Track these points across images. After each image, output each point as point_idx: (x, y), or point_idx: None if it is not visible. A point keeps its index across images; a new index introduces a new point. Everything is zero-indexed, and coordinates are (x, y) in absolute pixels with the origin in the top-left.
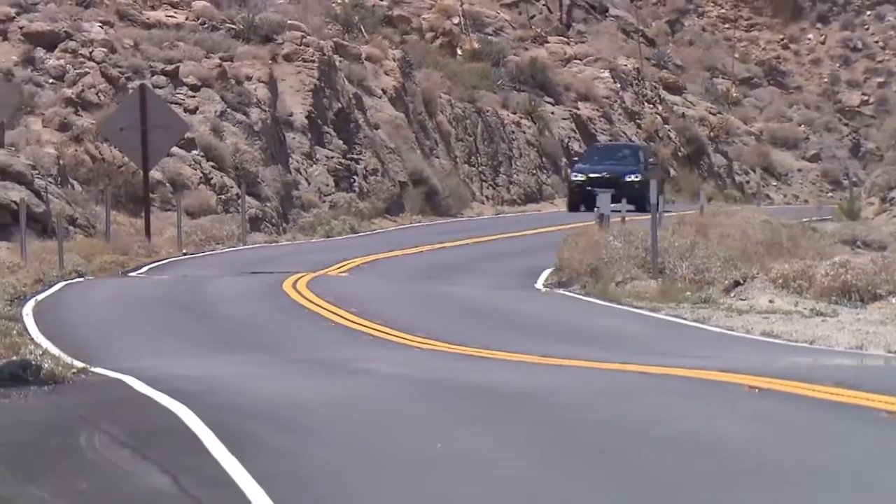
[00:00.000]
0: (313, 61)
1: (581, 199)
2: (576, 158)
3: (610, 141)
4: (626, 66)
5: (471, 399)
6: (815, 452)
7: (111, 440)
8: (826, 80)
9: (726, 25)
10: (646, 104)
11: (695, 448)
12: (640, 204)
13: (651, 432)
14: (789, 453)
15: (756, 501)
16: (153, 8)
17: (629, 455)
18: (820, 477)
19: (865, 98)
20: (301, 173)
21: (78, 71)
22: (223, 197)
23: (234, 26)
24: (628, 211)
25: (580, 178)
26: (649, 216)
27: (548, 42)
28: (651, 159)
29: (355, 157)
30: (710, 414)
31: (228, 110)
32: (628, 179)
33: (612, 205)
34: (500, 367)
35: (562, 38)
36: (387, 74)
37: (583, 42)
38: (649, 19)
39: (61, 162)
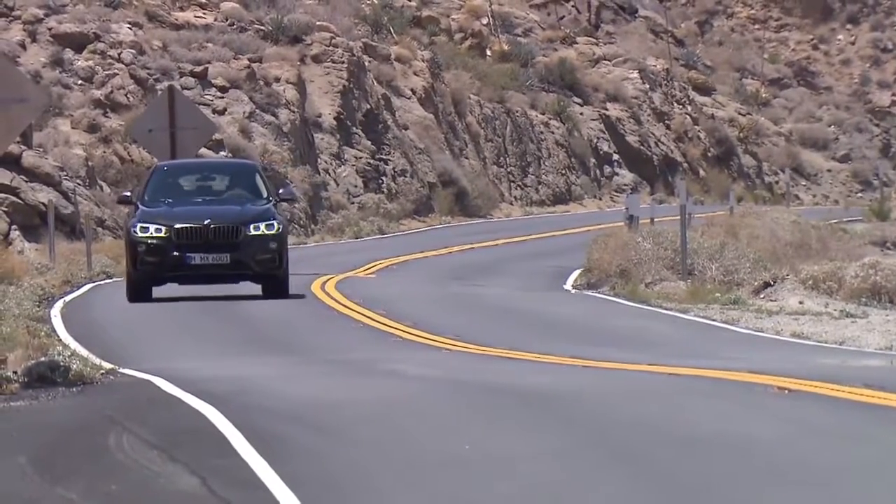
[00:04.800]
0: (342, 62)
1: (156, 273)
2: (126, 194)
3: (197, 158)
4: (655, 66)
5: (499, 400)
6: (843, 453)
7: (140, 441)
8: (856, 80)
9: (756, 26)
10: (675, 105)
11: (723, 449)
12: (278, 286)
13: (680, 433)
14: (818, 454)
15: (785, 502)
16: (182, 9)
17: (657, 455)
18: (848, 478)
19: (895, 98)
20: (329, 174)
21: (107, 72)
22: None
23: (262, 27)
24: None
25: (156, 233)
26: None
27: (577, 43)
28: (282, 190)
29: (384, 157)
30: (739, 415)
31: (257, 111)
32: (255, 233)
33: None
34: (529, 368)
35: (591, 38)
36: (416, 75)
37: (612, 43)
38: (678, 20)
39: (90, 163)
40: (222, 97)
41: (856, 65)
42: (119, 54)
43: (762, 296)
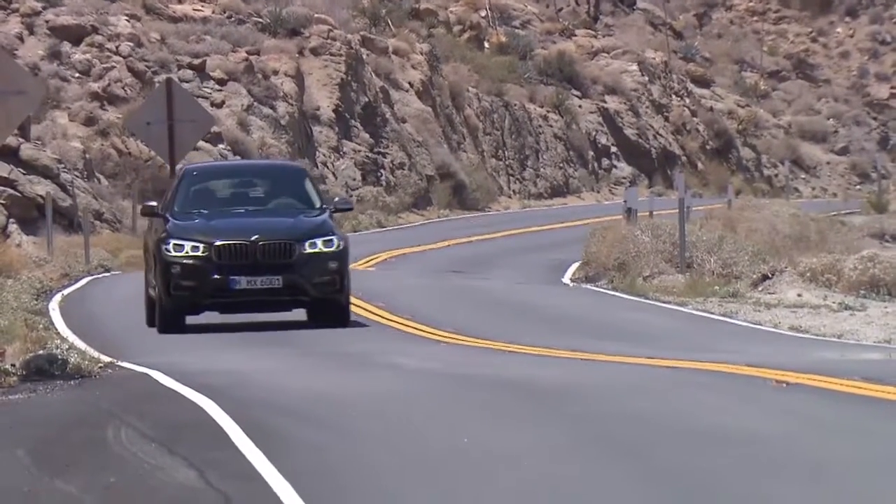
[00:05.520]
0: (340, 55)
1: (194, 300)
2: (151, 204)
3: (237, 159)
4: (653, 59)
5: (498, 393)
6: (843, 447)
7: (138, 434)
8: (855, 73)
9: (754, 18)
10: (673, 97)
11: (723, 442)
12: (338, 314)
13: (680, 426)
14: (817, 448)
15: (785, 495)
16: (179, 1)
17: (657, 449)
18: (848, 471)
19: (894, 91)
20: (328, 167)
21: (104, 65)
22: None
23: (260, 20)
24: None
25: (192, 251)
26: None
27: (575, 35)
28: (338, 198)
29: (382, 150)
30: (738, 408)
31: (255, 104)
32: (311, 250)
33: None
34: (528, 361)
35: (589, 31)
36: (414, 68)
37: (610, 35)
38: (677, 12)
39: (87, 156)
40: (220, 90)
41: (854, 57)
42: (117, 47)
43: (760, 289)
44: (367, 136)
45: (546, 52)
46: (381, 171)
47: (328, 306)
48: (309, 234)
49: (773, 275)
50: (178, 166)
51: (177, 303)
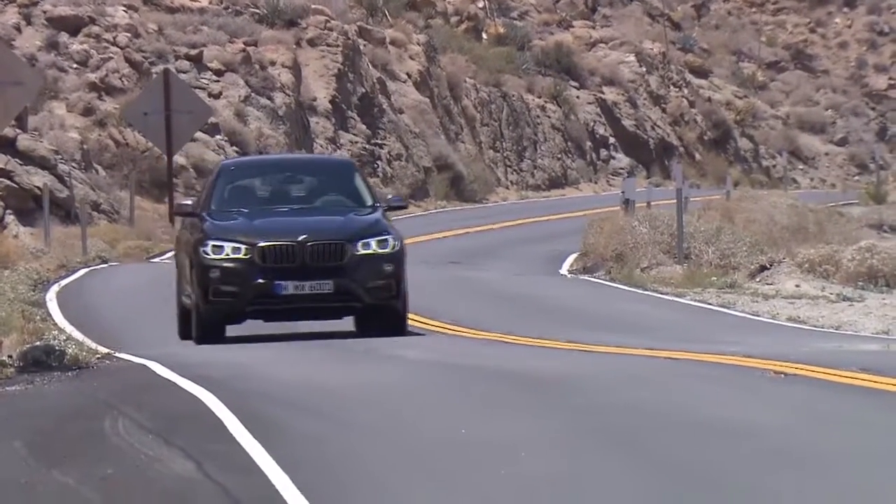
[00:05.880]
0: (337, 46)
1: (235, 307)
2: (186, 203)
3: (280, 153)
4: (651, 49)
5: (496, 385)
6: (840, 438)
7: (135, 426)
8: (853, 63)
9: (752, 9)
10: (671, 88)
11: (720, 432)
12: (395, 322)
13: (677, 418)
14: (815, 439)
15: (783, 486)
16: None
17: (655, 440)
18: (845, 462)
19: (892, 82)
20: None
21: (102, 56)
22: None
23: (257, 10)
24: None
25: (233, 253)
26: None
27: (573, 26)
28: (391, 195)
29: (379, 142)
30: (736, 399)
31: (252, 95)
32: (365, 251)
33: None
34: (526, 352)
35: (587, 21)
36: (411, 59)
37: (608, 26)
38: (675, 3)
39: (85, 147)
40: (218, 81)
41: (853, 48)
42: (114, 37)
43: (758, 279)
44: (364, 127)
45: (544, 42)
46: (379, 162)
47: (383, 314)
48: (361, 233)
49: (771, 266)
50: (217, 165)
51: (216, 310)
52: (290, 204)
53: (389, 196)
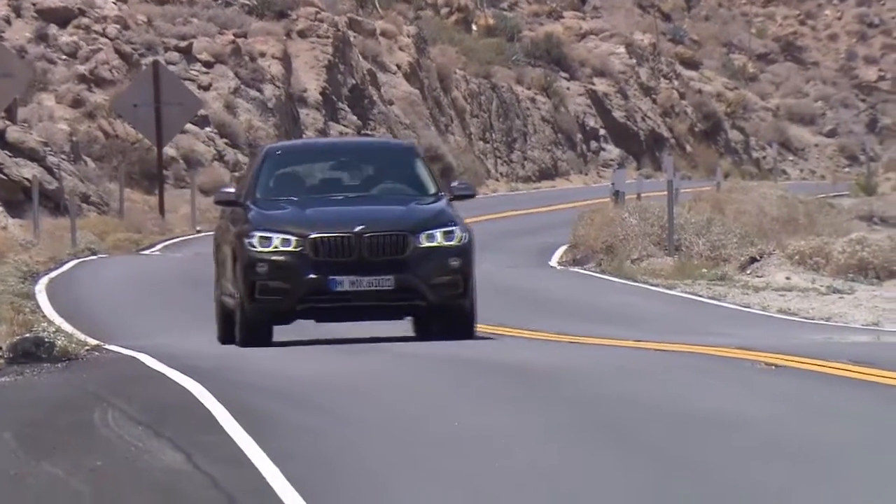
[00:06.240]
0: (327, 37)
1: (285, 305)
2: (228, 190)
3: (334, 137)
4: (641, 41)
5: (488, 377)
6: (831, 430)
7: (125, 417)
8: (843, 55)
9: (743, 1)
10: (662, 80)
11: (711, 424)
12: (462, 323)
13: (668, 409)
14: (806, 431)
15: (773, 478)
16: None
17: (647, 432)
18: (836, 454)
19: (882, 74)
20: None
21: (91, 47)
22: (237, 174)
23: (247, 2)
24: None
25: (282, 246)
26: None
27: (563, 17)
28: (456, 182)
29: (370, 133)
30: (726, 391)
31: (242, 87)
32: (429, 244)
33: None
34: (517, 344)
35: (577, 13)
36: (401, 50)
37: (598, 17)
38: None
39: (74, 139)
40: (207, 72)
41: (842, 40)
42: (103, 29)
43: (749, 271)
44: (354, 118)
45: (534, 34)
46: None
47: (448, 314)
48: (425, 224)
49: (761, 257)
50: (261, 150)
51: (263, 309)
52: (344, 192)
53: (455, 183)
